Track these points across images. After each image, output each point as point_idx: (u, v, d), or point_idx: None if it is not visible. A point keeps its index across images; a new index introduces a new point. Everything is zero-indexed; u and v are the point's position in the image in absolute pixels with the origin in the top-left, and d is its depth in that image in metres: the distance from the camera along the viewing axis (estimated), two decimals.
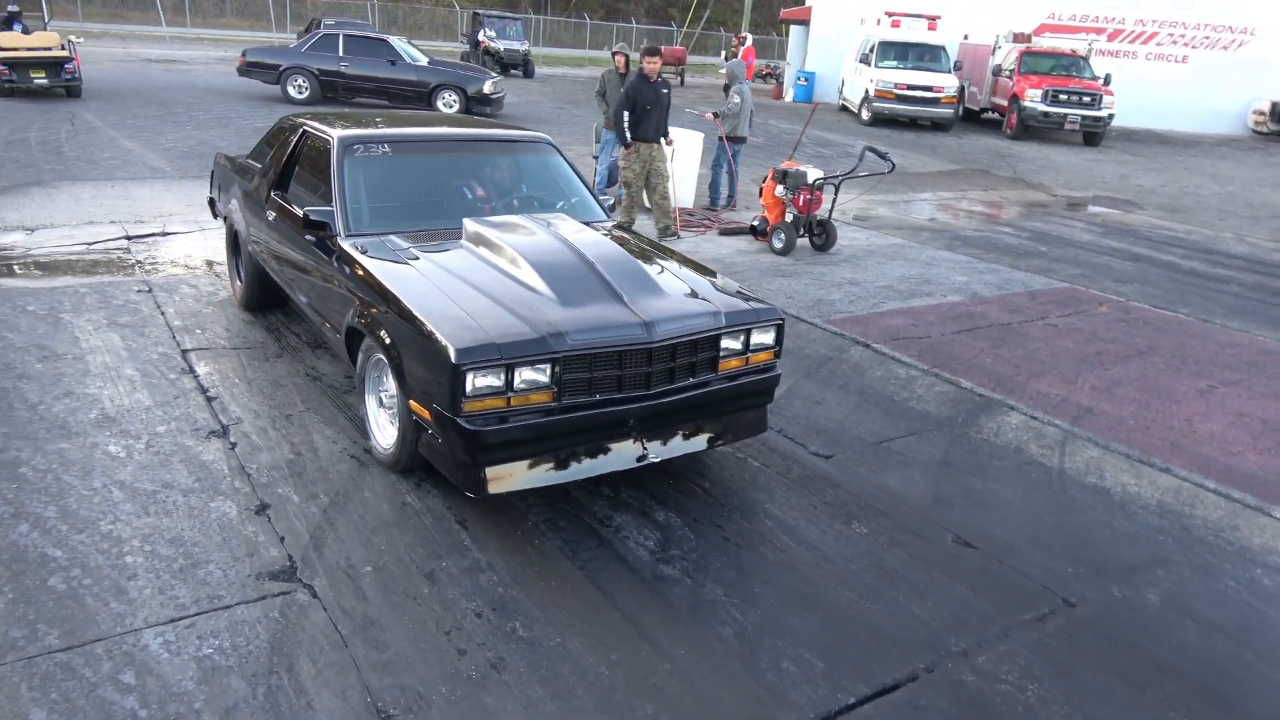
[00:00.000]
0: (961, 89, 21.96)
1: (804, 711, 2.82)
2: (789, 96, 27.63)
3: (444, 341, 3.40)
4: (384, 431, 4.09)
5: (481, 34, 27.60)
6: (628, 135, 8.59)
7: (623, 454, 3.73)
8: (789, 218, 8.91)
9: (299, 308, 5.16)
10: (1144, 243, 10.94)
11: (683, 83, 28.67)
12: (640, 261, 4.27)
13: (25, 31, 16.11)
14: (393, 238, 4.43)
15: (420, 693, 2.77)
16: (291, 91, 17.04)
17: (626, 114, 8.54)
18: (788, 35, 33.52)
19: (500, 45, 27.08)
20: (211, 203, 6.87)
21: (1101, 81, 20.73)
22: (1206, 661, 3.23)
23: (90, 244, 7.43)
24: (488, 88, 17.15)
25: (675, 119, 9.29)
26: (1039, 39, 22.93)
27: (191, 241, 7.73)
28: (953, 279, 8.29)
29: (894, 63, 21.35)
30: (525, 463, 3.55)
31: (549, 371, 3.48)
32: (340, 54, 17.10)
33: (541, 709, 2.74)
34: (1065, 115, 20.11)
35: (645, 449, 3.77)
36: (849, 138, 18.58)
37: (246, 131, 13.18)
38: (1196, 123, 25.92)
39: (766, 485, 4.24)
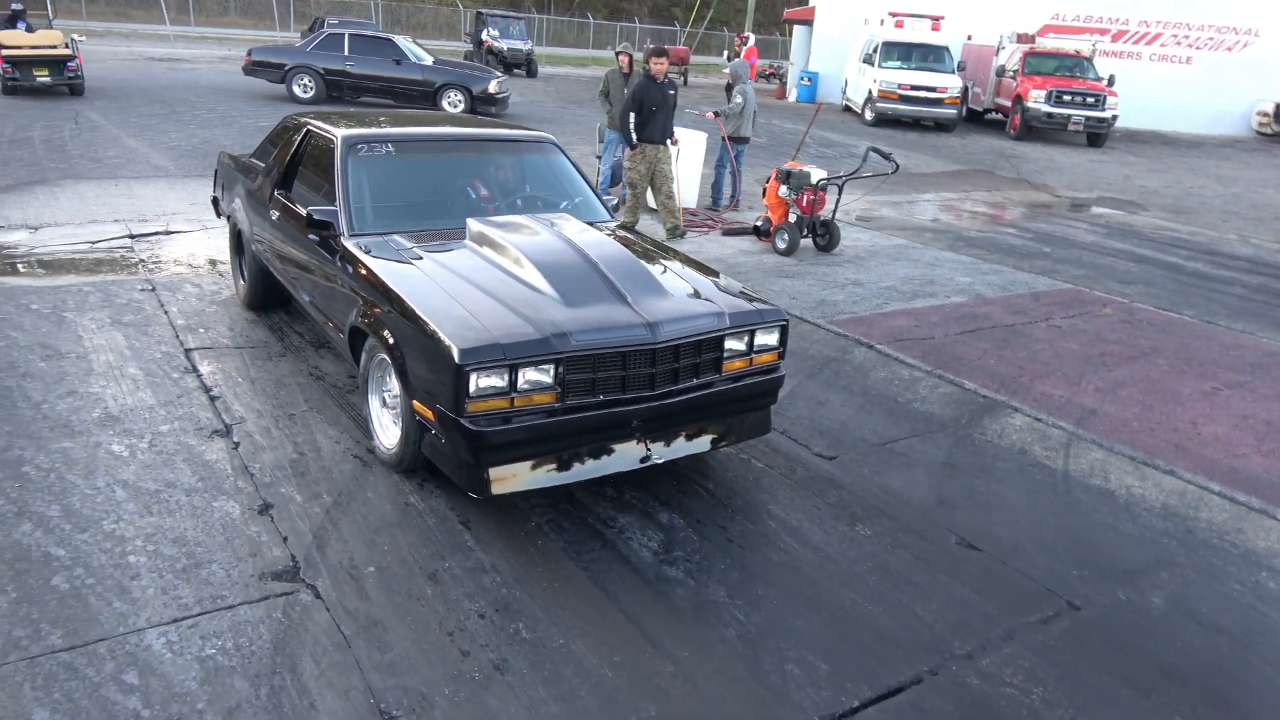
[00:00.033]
0: (965, 90, 21.92)
1: (808, 714, 2.81)
2: (792, 97, 27.60)
3: (448, 342, 3.40)
4: (387, 431, 4.09)
5: (485, 33, 27.60)
6: (633, 137, 8.55)
7: (626, 455, 3.73)
8: (792, 218, 8.90)
9: (302, 307, 5.16)
10: (1148, 244, 10.92)
11: (686, 83, 28.65)
12: (644, 262, 4.26)
13: (29, 30, 16.14)
14: (396, 237, 4.43)
15: (423, 694, 2.76)
16: (297, 91, 17.04)
17: (632, 115, 8.50)
18: (791, 35, 33.50)
19: (504, 45, 27.08)
20: (215, 202, 6.88)
21: (1105, 82, 20.69)
22: (1211, 665, 3.22)
23: (94, 242, 7.43)
24: (493, 87, 17.14)
25: (678, 119, 9.27)
26: (1043, 40, 22.89)
27: (195, 240, 7.73)
28: (956, 280, 8.27)
29: (897, 63, 21.32)
30: (529, 463, 3.54)
31: (553, 372, 3.48)
32: (346, 53, 17.10)
33: (545, 711, 2.74)
34: (1069, 116, 20.08)
35: (649, 450, 3.77)
36: (852, 138, 18.56)
37: (250, 130, 13.19)
38: (1200, 124, 25.87)
39: (770, 486, 4.23)
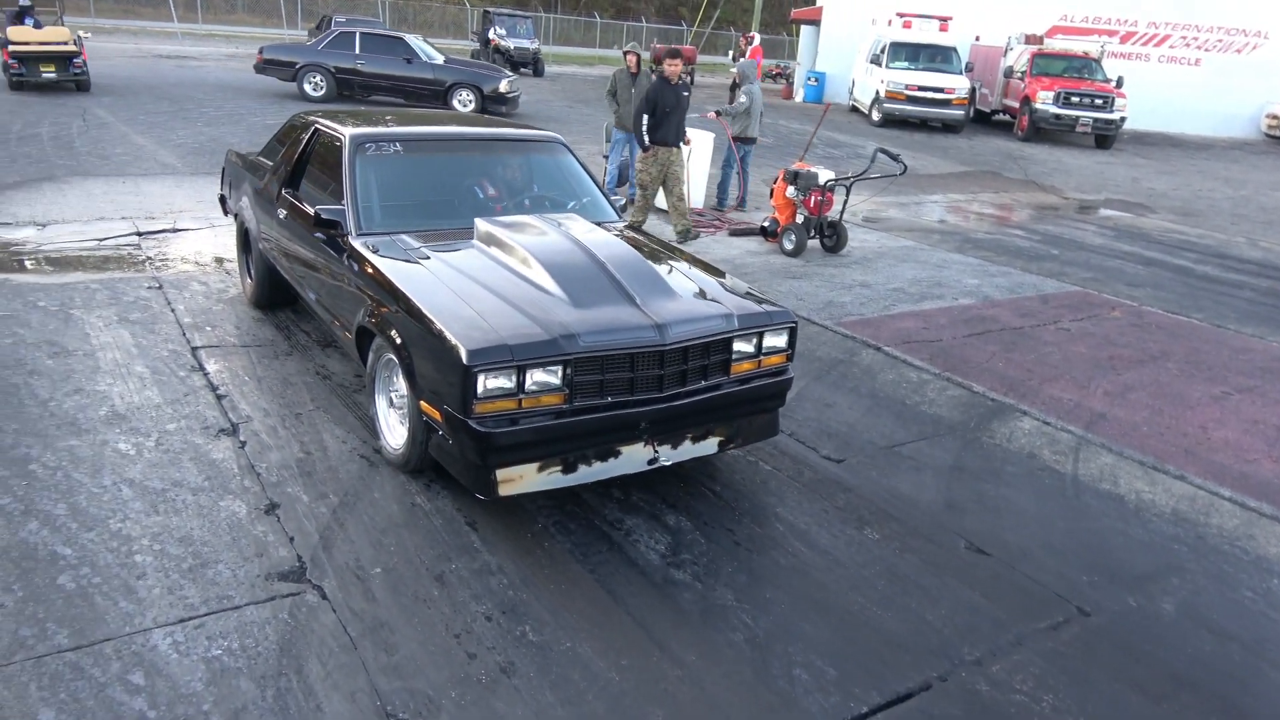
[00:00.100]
0: (973, 90, 21.84)
1: None
2: (799, 97, 27.55)
3: (455, 342, 3.38)
4: (394, 432, 4.07)
5: (492, 32, 27.62)
6: (646, 139, 8.49)
7: (634, 457, 3.71)
8: (800, 219, 8.87)
9: (309, 306, 5.15)
10: (1156, 246, 10.87)
11: (692, 82, 28.63)
12: (652, 263, 4.25)
13: (37, 26, 16.17)
14: (404, 237, 4.42)
15: (430, 696, 2.75)
16: (308, 89, 17.05)
17: (646, 117, 8.42)
18: (798, 35, 33.45)
19: (510, 43, 27.09)
20: (222, 200, 6.87)
21: (1114, 84, 20.62)
22: (1222, 672, 3.20)
23: (101, 240, 7.44)
24: (504, 86, 17.14)
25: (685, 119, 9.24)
26: (1051, 41, 22.82)
27: (202, 238, 7.73)
28: (964, 282, 8.24)
29: (905, 64, 21.26)
30: (536, 465, 3.53)
31: (560, 373, 3.46)
32: (357, 52, 17.12)
33: (552, 714, 2.72)
34: (1077, 118, 20.01)
35: (656, 452, 3.75)
36: (859, 139, 18.53)
37: (258, 128, 13.20)
38: (1209, 126, 25.78)
39: (778, 489, 4.22)
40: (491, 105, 16.91)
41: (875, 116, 21.42)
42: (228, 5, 40.69)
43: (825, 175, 8.69)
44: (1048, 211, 12.96)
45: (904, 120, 21.30)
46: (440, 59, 17.71)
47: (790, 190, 8.79)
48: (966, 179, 15.36)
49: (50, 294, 5.98)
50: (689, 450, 3.88)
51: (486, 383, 3.35)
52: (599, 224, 4.76)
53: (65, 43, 15.69)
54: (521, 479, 3.52)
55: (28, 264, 6.66)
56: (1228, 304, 8.28)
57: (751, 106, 10.46)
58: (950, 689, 2.98)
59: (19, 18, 16.20)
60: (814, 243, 8.94)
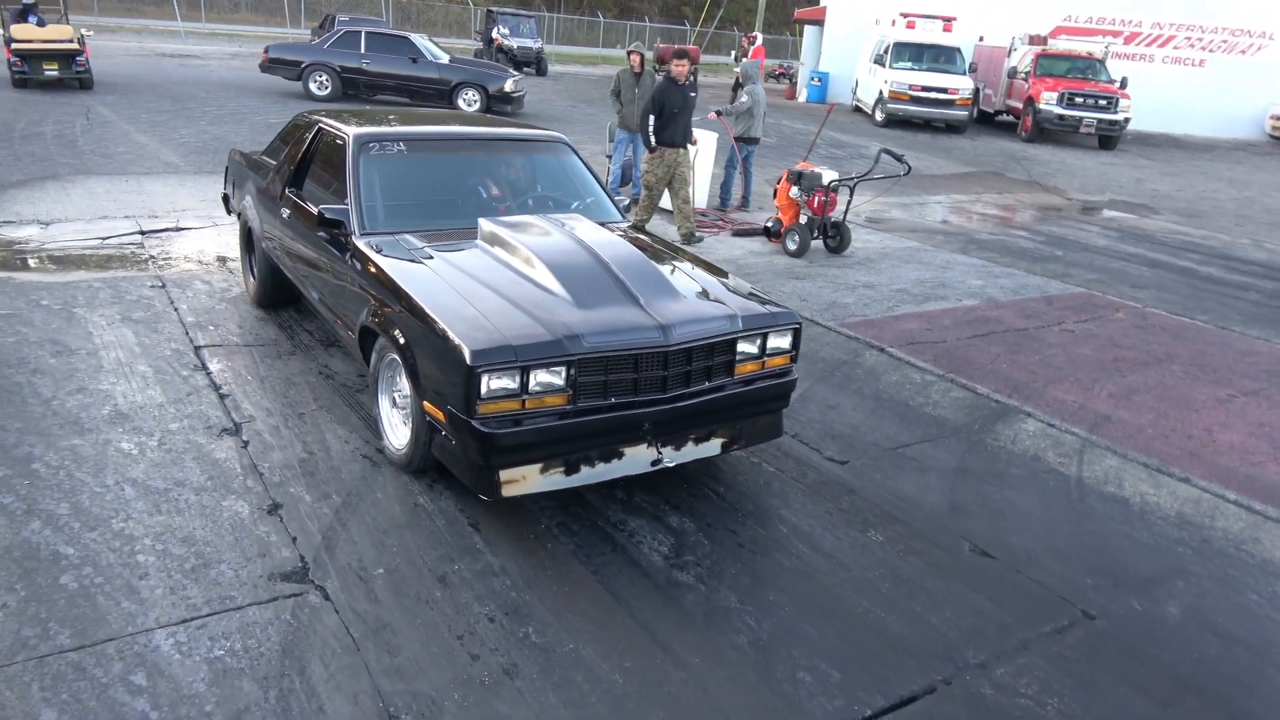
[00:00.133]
0: (976, 91, 21.82)
1: None
2: (802, 97, 27.54)
3: (459, 342, 3.37)
4: (397, 432, 4.07)
5: (495, 31, 27.62)
6: (651, 140, 8.46)
7: (637, 458, 3.70)
8: (803, 219, 8.86)
9: (312, 305, 5.14)
10: (1160, 248, 10.85)
11: (695, 82, 28.58)
12: (656, 263, 4.24)
13: (40, 24, 16.18)
14: (408, 236, 4.41)
15: (433, 698, 2.74)
16: (313, 88, 17.04)
17: (652, 118, 8.35)
18: (801, 35, 33.42)
19: (514, 43, 27.08)
20: (226, 199, 6.87)
21: (1118, 85, 20.59)
22: (1228, 677, 3.18)
23: (104, 239, 7.44)
24: (509, 86, 17.13)
25: None
26: (1055, 41, 22.79)
27: (205, 237, 7.73)
28: (968, 283, 8.23)
29: (908, 64, 21.24)
30: (539, 466, 3.52)
31: (564, 374, 3.45)
32: (362, 51, 17.12)
33: (555, 716, 2.72)
34: (1081, 118, 19.98)
35: (660, 453, 3.74)
36: (863, 139, 18.51)
37: (261, 127, 13.21)
38: (1213, 127, 25.74)
39: (781, 491, 4.20)
40: (497, 105, 16.91)
41: (878, 117, 21.40)
42: (231, 4, 40.72)
43: (829, 176, 8.67)
44: (1051, 212, 12.93)
45: (907, 121, 21.28)
46: (445, 58, 17.71)
47: (794, 191, 8.77)
48: (970, 180, 15.34)
49: (53, 292, 5.97)
50: (692, 451, 3.87)
51: (490, 383, 3.34)
52: (603, 224, 4.75)
53: (68, 41, 15.71)
54: (525, 480, 3.51)
55: (31, 262, 6.66)
56: (1232, 306, 8.25)
57: (754, 107, 10.44)
58: (955, 692, 2.97)
59: (23, 15, 16.22)
60: (817, 243, 8.92)
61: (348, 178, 4.64)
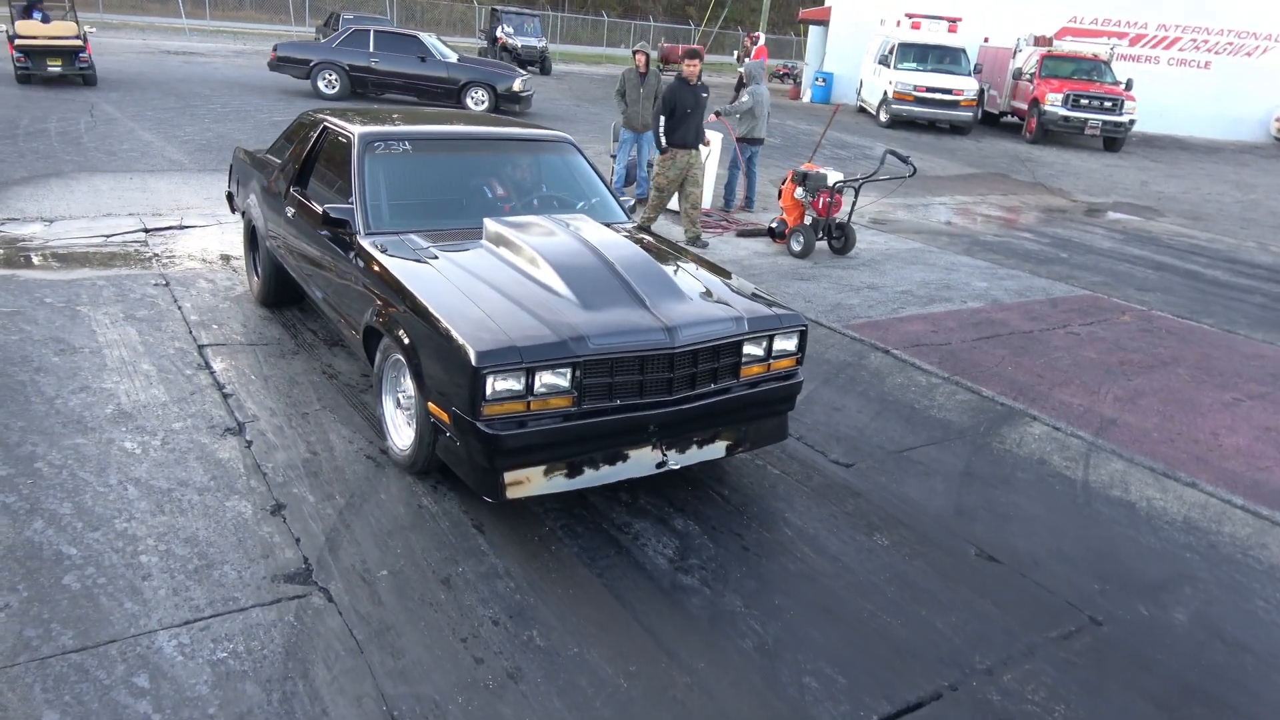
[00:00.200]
0: (981, 92, 21.77)
1: None
2: (806, 97, 27.51)
3: (464, 343, 3.36)
4: (401, 433, 4.05)
5: (500, 30, 27.59)
6: (663, 140, 8.40)
7: (642, 460, 3.68)
8: (808, 220, 8.84)
9: (316, 305, 5.13)
10: (1166, 250, 10.82)
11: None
12: (662, 265, 4.22)
13: (45, 20, 16.19)
14: (412, 236, 4.39)
15: (436, 702, 2.72)
16: (321, 86, 17.02)
17: (664, 118, 8.28)
18: (806, 35, 33.38)
19: (518, 42, 27.06)
20: (230, 197, 6.86)
21: (1123, 86, 20.53)
22: (1236, 684, 3.16)
23: (108, 236, 7.43)
24: (517, 85, 17.12)
25: None
26: (1060, 42, 22.73)
27: (209, 235, 7.72)
28: (973, 285, 8.20)
29: (913, 65, 21.19)
30: (544, 468, 3.50)
31: (569, 376, 3.44)
32: (371, 50, 17.10)
33: None
34: (1086, 120, 19.94)
35: (665, 456, 3.72)
36: (867, 140, 18.48)
37: (265, 125, 13.20)
38: (1218, 129, 25.68)
39: (786, 494, 4.19)
40: (505, 104, 16.89)
41: (883, 117, 21.37)
42: (236, 2, 40.74)
43: (834, 177, 8.65)
44: (1056, 214, 12.90)
45: (912, 121, 21.25)
46: (454, 57, 17.70)
47: (799, 191, 8.76)
48: (974, 181, 15.31)
49: (57, 290, 5.96)
50: (697, 454, 3.86)
51: (495, 384, 3.33)
52: (608, 224, 4.74)
53: (72, 37, 15.72)
54: (529, 482, 3.49)
55: (35, 260, 6.65)
56: (1238, 309, 8.23)
57: (757, 107, 10.41)
58: (961, 698, 2.95)
59: (27, 12, 16.24)
60: (822, 244, 8.90)
61: (353, 177, 4.62)
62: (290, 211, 5.20)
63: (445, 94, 17.05)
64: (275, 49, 17.54)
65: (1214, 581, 3.79)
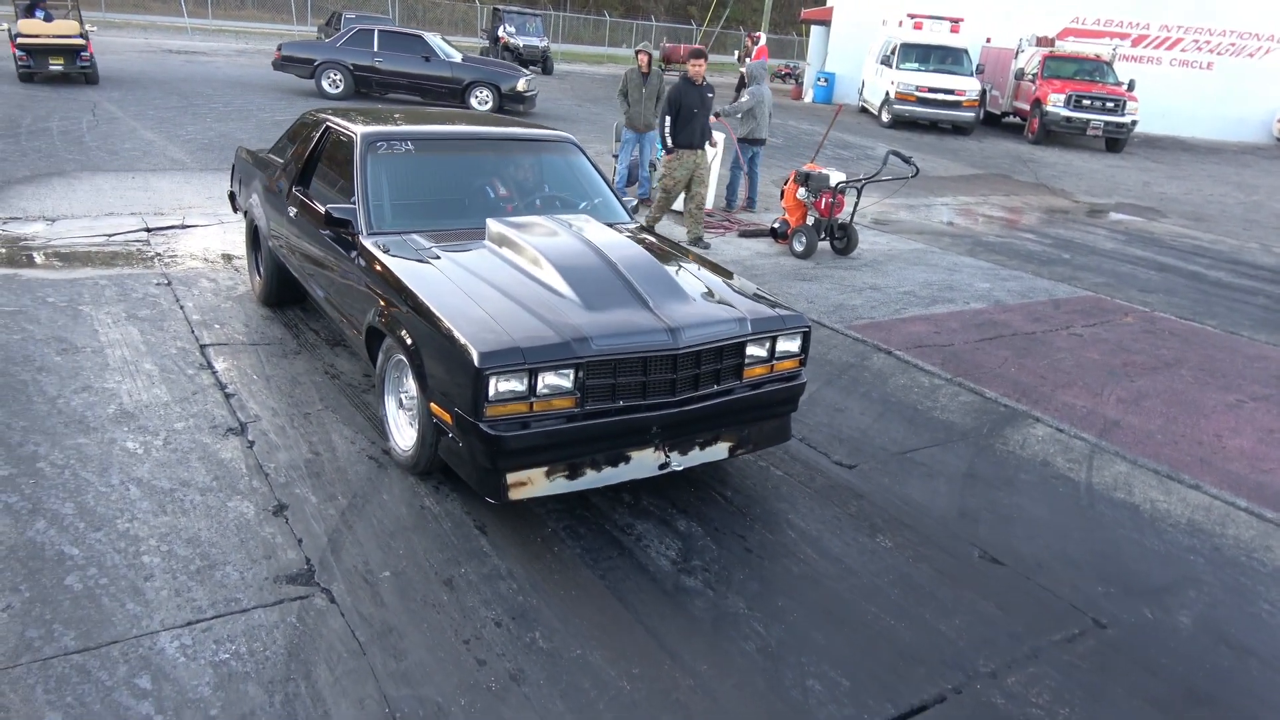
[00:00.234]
0: (983, 92, 21.76)
1: None
2: (808, 97, 27.50)
3: (467, 344, 3.35)
4: (403, 433, 4.04)
5: (501, 29, 27.58)
6: (668, 140, 8.39)
7: (645, 462, 3.68)
8: (810, 221, 8.83)
9: (318, 305, 5.12)
10: (1168, 251, 10.81)
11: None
12: (665, 265, 4.21)
13: (47, 19, 16.20)
14: (415, 236, 4.39)
15: (439, 704, 2.72)
16: (326, 86, 17.01)
17: (669, 119, 8.28)
18: (808, 35, 33.37)
19: (520, 41, 27.05)
20: (232, 196, 6.86)
21: (1125, 87, 20.52)
22: (1241, 688, 3.15)
23: (110, 235, 7.42)
24: (521, 85, 17.11)
25: None
26: (1062, 43, 22.71)
27: (211, 235, 7.71)
28: (975, 285, 8.19)
29: (915, 65, 21.18)
30: (546, 469, 3.49)
31: (572, 377, 3.43)
32: (375, 50, 17.10)
33: None
34: (1088, 121, 19.92)
35: (668, 457, 3.71)
36: (869, 140, 18.46)
37: (267, 125, 13.20)
38: (1220, 130, 25.66)
39: (789, 495, 4.18)
40: (509, 104, 16.89)
41: (885, 118, 21.36)
42: (238, 1, 40.74)
43: (836, 177, 8.64)
44: (1058, 215, 12.89)
45: (914, 122, 21.23)
46: (458, 57, 17.69)
47: (801, 192, 8.75)
48: (976, 181, 15.30)
49: (59, 290, 5.96)
50: (700, 455, 3.85)
51: (498, 385, 3.32)
52: (611, 225, 4.73)
53: (74, 36, 15.74)
54: (532, 483, 3.49)
55: (37, 259, 6.64)
56: (1241, 310, 8.21)
57: (758, 108, 10.40)
58: (965, 701, 2.94)
59: (30, 10, 16.25)
60: (824, 245, 8.89)
61: (355, 177, 4.61)
62: (292, 211, 5.19)
63: (449, 94, 17.04)
64: (280, 48, 17.53)
65: (1218, 584, 3.78)
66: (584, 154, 5.43)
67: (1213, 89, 25.52)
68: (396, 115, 5.51)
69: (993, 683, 3.03)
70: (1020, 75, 22.14)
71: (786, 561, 3.64)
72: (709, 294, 4.05)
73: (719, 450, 3.91)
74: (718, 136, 10.40)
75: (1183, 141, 24.46)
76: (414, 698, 2.73)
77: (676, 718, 2.76)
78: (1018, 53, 22.75)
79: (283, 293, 5.87)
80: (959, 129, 21.26)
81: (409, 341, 3.74)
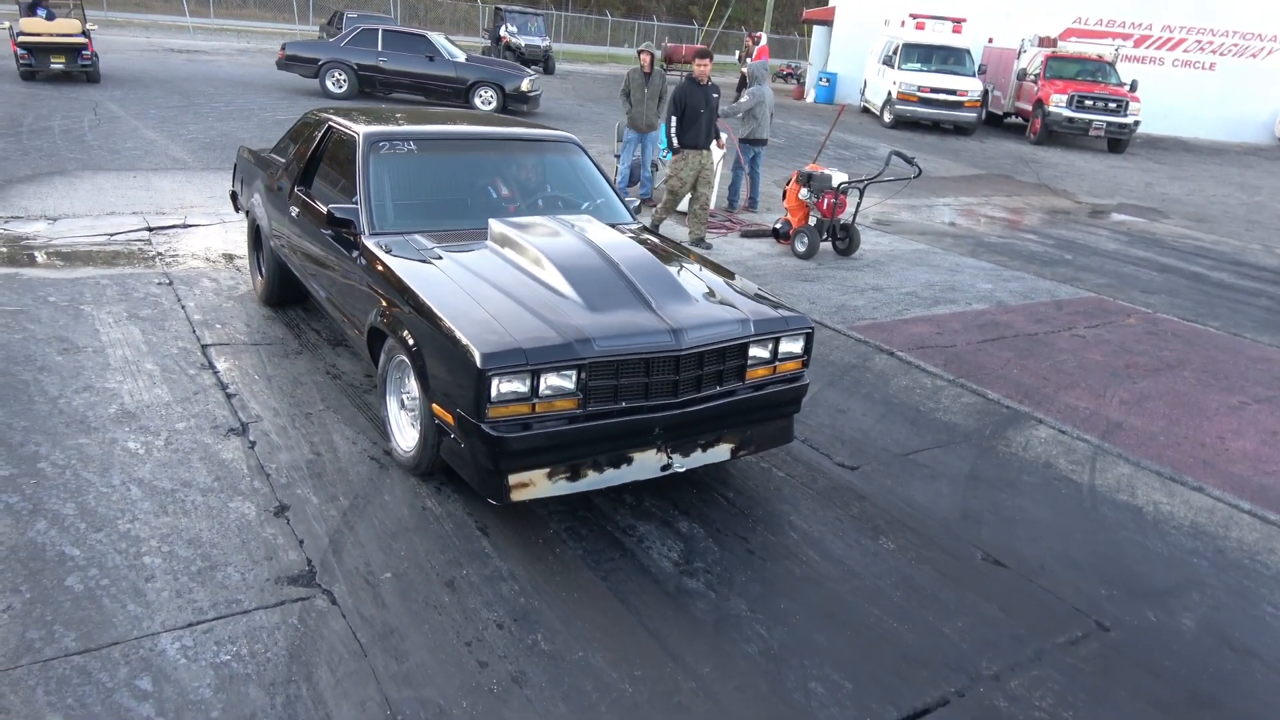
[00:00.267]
0: (985, 93, 21.74)
1: None
2: (810, 97, 27.48)
3: (469, 345, 3.34)
4: (405, 434, 4.04)
5: (503, 29, 27.57)
6: (674, 141, 8.38)
7: (647, 463, 3.67)
8: (812, 221, 8.82)
9: (320, 304, 5.12)
10: (1171, 253, 10.79)
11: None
12: (668, 266, 4.20)
13: (49, 18, 16.21)
14: (417, 237, 4.38)
15: (440, 706, 2.71)
16: (330, 85, 17.00)
17: (675, 119, 8.29)
18: (810, 35, 33.34)
19: (521, 41, 27.03)
20: (234, 196, 6.85)
21: (1127, 88, 20.50)
22: (1244, 691, 3.14)
23: (112, 235, 7.42)
24: (526, 85, 17.10)
25: None
26: (1065, 43, 22.69)
27: (212, 234, 7.71)
28: (977, 286, 8.18)
29: (917, 65, 21.15)
30: (548, 470, 3.48)
31: (575, 378, 3.42)
32: (379, 49, 17.08)
33: None
34: (1090, 121, 19.90)
35: (670, 458, 3.71)
36: (871, 140, 18.45)
37: (269, 124, 13.19)
38: (1223, 131, 25.63)
39: (791, 496, 4.17)
40: (513, 104, 16.88)
41: (887, 118, 21.34)
42: (239, 0, 40.73)
43: (839, 178, 8.63)
44: (1060, 215, 12.88)
45: (915, 122, 21.22)
46: (462, 57, 17.68)
47: (803, 192, 8.74)
48: (978, 182, 15.29)
49: (60, 289, 5.95)
50: (702, 457, 3.84)
51: (500, 386, 3.31)
52: (613, 225, 4.72)
53: (75, 35, 15.75)
54: (534, 484, 3.48)
55: (38, 258, 6.64)
56: (1244, 312, 8.20)
57: (758, 108, 10.39)
58: (968, 704, 2.93)
59: (32, 9, 16.26)
60: (826, 245, 8.88)
61: (357, 177, 4.61)
62: (294, 211, 5.19)
63: (453, 93, 17.04)
64: (284, 48, 17.53)
65: (1221, 587, 3.77)
66: (586, 154, 5.42)
67: (1215, 90, 25.48)
68: (399, 115, 5.50)
69: (995, 685, 3.03)
70: (1022, 76, 22.12)
71: (789, 563, 3.63)
72: (711, 295, 4.04)
73: (721, 452, 3.90)
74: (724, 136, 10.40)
75: (1185, 142, 24.44)
76: (415, 700, 2.73)
77: None
78: (1020, 53, 22.73)
79: (284, 292, 5.86)
80: (961, 129, 21.24)
81: (411, 342, 3.73)
